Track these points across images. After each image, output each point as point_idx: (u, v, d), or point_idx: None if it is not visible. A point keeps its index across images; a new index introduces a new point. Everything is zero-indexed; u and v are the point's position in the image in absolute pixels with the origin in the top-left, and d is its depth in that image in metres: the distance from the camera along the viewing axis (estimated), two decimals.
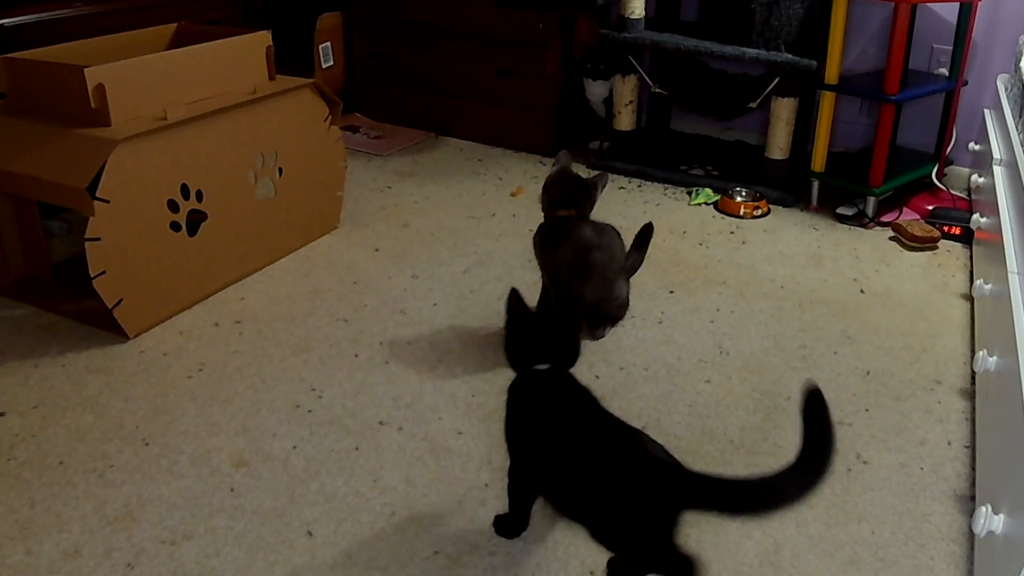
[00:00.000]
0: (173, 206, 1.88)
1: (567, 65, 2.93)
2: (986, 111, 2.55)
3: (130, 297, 1.82)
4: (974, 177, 2.47)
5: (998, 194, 1.92)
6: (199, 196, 1.94)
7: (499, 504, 1.40)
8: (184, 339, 1.86)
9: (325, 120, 2.26)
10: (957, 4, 2.46)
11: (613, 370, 1.77)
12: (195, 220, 1.94)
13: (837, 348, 1.86)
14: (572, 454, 1.11)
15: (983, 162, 2.35)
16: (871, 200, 2.47)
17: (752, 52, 2.51)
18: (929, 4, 2.46)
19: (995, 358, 1.50)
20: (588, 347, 1.83)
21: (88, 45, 2.04)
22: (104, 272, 1.75)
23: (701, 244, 2.35)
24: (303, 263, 2.21)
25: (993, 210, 1.95)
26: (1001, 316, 1.52)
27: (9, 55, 1.89)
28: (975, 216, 2.22)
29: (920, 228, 2.36)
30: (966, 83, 2.57)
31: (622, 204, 2.60)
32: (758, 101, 2.59)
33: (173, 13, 2.54)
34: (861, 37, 2.75)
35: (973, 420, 1.63)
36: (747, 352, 1.84)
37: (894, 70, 2.30)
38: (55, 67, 1.82)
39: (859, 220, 2.49)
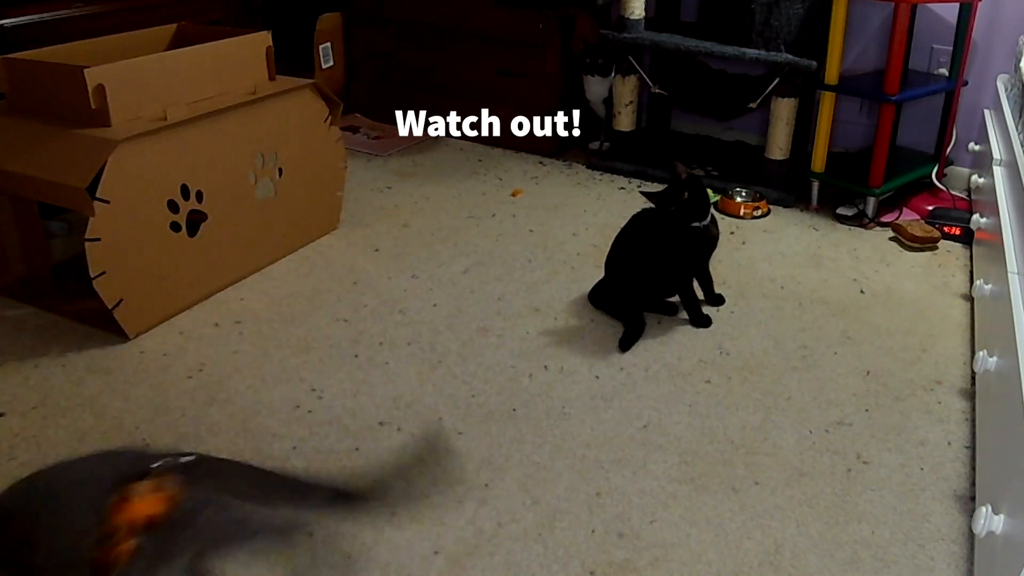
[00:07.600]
0: (173, 206, 1.88)
1: (567, 65, 2.93)
2: (986, 111, 2.55)
3: (130, 297, 1.82)
4: (974, 177, 2.47)
5: (998, 194, 1.92)
6: (199, 196, 1.94)
7: (499, 503, 1.40)
8: (184, 339, 1.86)
9: (325, 120, 2.26)
10: (957, 4, 2.46)
11: (613, 370, 1.77)
12: (195, 220, 1.94)
13: (837, 348, 1.86)
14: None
15: (983, 162, 2.35)
16: (871, 200, 2.47)
17: (752, 52, 2.51)
18: (929, 4, 2.46)
19: (995, 358, 1.50)
20: (588, 348, 1.83)
21: (88, 45, 2.04)
22: (104, 272, 1.75)
23: None
24: (303, 263, 2.21)
25: (993, 210, 1.95)
26: (1001, 316, 1.52)
27: (9, 55, 1.89)
28: (975, 216, 2.22)
29: (920, 228, 2.36)
30: (966, 83, 2.57)
31: (622, 204, 2.60)
32: (758, 101, 2.59)
33: (173, 13, 2.54)
34: (861, 37, 2.75)
35: (973, 420, 1.63)
36: (747, 352, 1.84)
37: (894, 70, 2.30)
38: (55, 67, 1.82)
39: (859, 220, 2.49)
